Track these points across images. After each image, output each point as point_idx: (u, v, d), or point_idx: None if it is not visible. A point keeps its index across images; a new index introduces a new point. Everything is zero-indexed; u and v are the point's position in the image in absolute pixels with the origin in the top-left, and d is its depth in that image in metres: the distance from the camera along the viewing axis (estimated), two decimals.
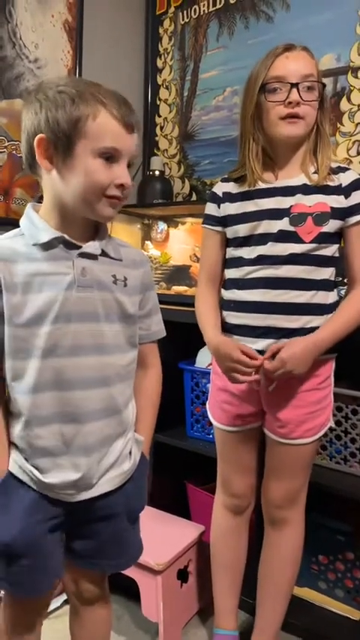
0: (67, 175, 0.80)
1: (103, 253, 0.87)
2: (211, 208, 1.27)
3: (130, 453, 0.93)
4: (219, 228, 1.25)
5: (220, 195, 1.24)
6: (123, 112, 0.80)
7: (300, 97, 1.09)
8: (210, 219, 1.27)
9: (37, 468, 0.84)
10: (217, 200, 1.25)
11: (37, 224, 0.84)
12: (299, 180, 1.16)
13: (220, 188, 1.26)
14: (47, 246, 0.82)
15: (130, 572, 1.37)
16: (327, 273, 1.16)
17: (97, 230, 0.89)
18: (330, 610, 1.48)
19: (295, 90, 1.09)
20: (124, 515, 0.92)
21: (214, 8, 2.11)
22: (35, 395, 0.83)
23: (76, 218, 0.84)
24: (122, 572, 1.36)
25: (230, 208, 1.22)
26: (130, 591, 1.37)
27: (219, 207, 1.24)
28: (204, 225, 1.29)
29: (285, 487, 1.21)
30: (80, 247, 0.85)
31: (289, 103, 1.09)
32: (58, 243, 0.83)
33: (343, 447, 1.43)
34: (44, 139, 0.79)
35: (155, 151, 2.33)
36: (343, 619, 1.45)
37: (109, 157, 0.79)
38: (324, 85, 1.14)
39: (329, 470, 1.44)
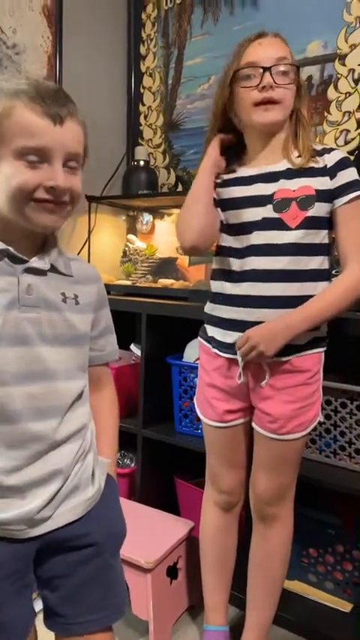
0: None
1: (53, 268, 0.79)
2: None
3: (93, 477, 0.83)
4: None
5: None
6: (46, 103, 0.69)
7: (273, 80, 1.07)
8: None
9: None
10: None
11: None
12: (282, 165, 1.13)
13: None
14: None
15: None
16: (316, 262, 1.13)
17: (45, 243, 0.80)
18: (320, 602, 1.49)
19: (267, 74, 1.08)
20: (104, 545, 0.82)
21: None
22: None
23: (19, 229, 0.75)
24: None
25: (223, 193, 1.19)
26: None
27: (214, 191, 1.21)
28: None
29: (274, 483, 1.20)
30: (27, 262, 0.76)
31: (263, 87, 1.08)
32: (2, 257, 0.75)
33: (333, 441, 1.42)
34: None
35: (139, 141, 2.28)
36: (333, 611, 1.46)
37: (36, 157, 0.70)
38: (298, 68, 1.11)
39: (319, 463, 1.43)
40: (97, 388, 0.92)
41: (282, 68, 1.08)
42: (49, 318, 0.77)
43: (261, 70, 1.08)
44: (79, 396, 0.82)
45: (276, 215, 1.11)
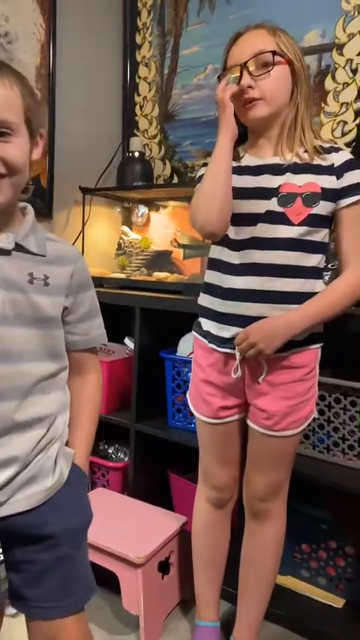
0: None
1: (19, 247, 0.77)
2: None
3: (56, 467, 0.81)
4: None
5: None
6: None
7: (251, 77, 1.07)
8: None
9: None
10: None
11: None
12: (288, 158, 1.11)
13: None
14: None
15: (110, 565, 1.35)
16: (315, 260, 1.11)
17: (12, 220, 0.79)
18: (312, 598, 1.48)
19: (245, 73, 1.07)
20: (62, 537, 0.80)
21: None
22: None
23: None
24: (102, 565, 1.34)
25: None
26: (110, 582, 1.35)
27: None
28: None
29: (268, 479, 1.19)
30: None
31: (242, 90, 1.08)
32: None
33: (326, 436, 1.41)
34: None
35: (135, 132, 2.25)
36: (326, 607, 1.45)
37: None
38: (274, 53, 1.07)
39: (312, 459, 1.42)
40: (81, 373, 0.90)
41: (263, 61, 1.07)
42: (11, 298, 0.76)
43: (239, 70, 1.07)
44: (47, 380, 0.80)
45: (280, 209, 1.09)
